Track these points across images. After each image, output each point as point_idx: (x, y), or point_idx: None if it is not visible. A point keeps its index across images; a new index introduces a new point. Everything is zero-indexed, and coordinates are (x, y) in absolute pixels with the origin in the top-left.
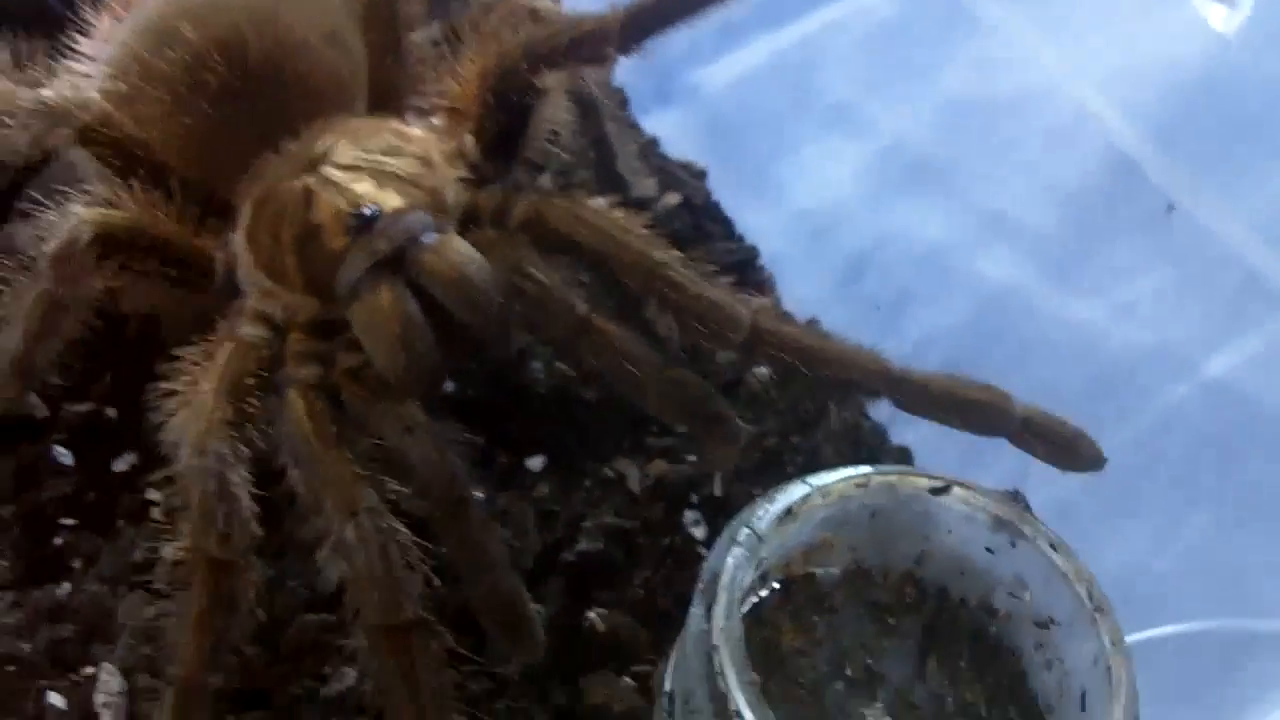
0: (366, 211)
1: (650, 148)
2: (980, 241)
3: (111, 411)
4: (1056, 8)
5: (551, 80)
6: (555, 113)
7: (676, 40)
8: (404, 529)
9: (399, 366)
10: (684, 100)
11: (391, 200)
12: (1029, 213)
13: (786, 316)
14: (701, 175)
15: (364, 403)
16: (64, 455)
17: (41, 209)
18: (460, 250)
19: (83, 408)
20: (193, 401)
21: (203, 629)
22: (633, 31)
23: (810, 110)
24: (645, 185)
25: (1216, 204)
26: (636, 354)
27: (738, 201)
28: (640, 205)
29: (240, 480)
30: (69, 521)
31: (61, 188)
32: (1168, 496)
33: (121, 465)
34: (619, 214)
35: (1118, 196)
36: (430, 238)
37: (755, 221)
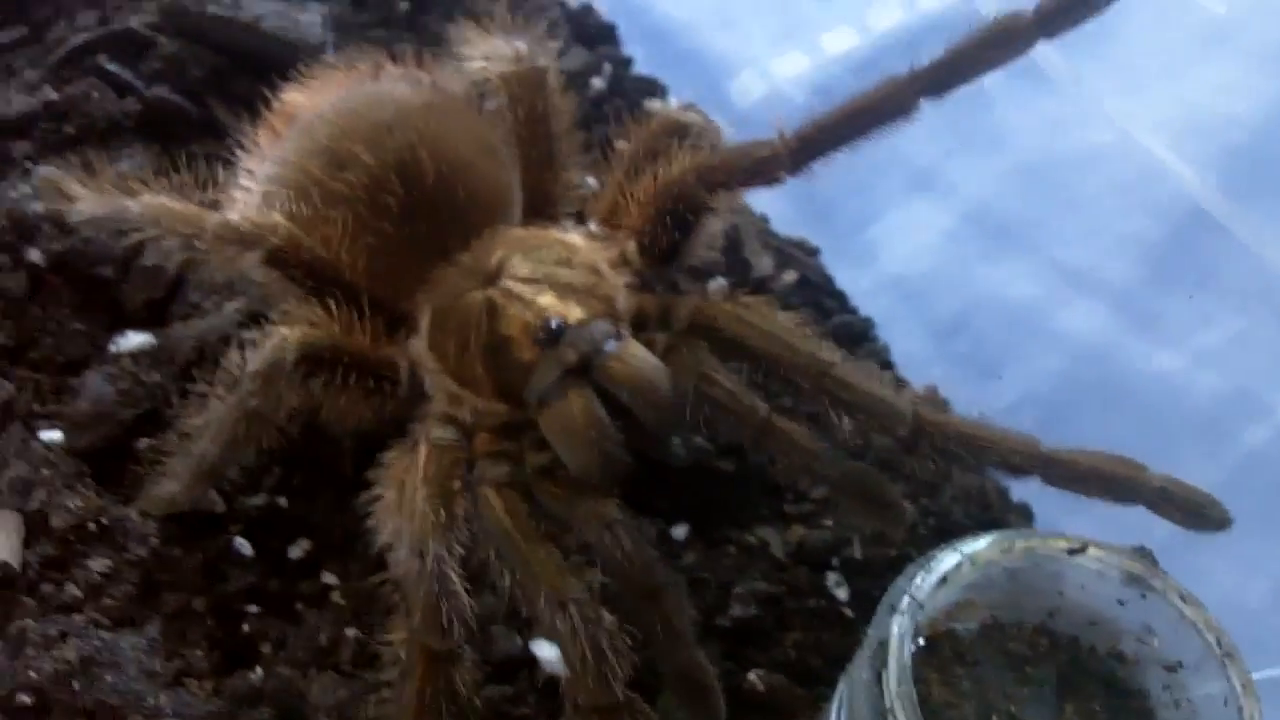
0: (553, 324)
1: (764, 226)
2: (1065, 297)
3: (283, 501)
4: (1123, 61)
5: (722, 200)
6: (717, 226)
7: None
8: (609, 615)
9: (593, 468)
10: None
11: (574, 312)
12: (1109, 266)
13: (942, 404)
14: (815, 253)
15: (558, 500)
16: (243, 546)
17: (198, 310)
18: (642, 357)
19: (257, 500)
20: (405, 505)
21: (423, 714)
22: (802, 157)
23: (896, 177)
24: (764, 265)
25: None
26: (815, 450)
27: (834, 268)
28: (760, 284)
29: (458, 577)
30: (254, 609)
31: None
32: (1256, 534)
33: (297, 552)
34: (781, 314)
35: (1192, 245)
36: (612, 345)
37: (852, 287)
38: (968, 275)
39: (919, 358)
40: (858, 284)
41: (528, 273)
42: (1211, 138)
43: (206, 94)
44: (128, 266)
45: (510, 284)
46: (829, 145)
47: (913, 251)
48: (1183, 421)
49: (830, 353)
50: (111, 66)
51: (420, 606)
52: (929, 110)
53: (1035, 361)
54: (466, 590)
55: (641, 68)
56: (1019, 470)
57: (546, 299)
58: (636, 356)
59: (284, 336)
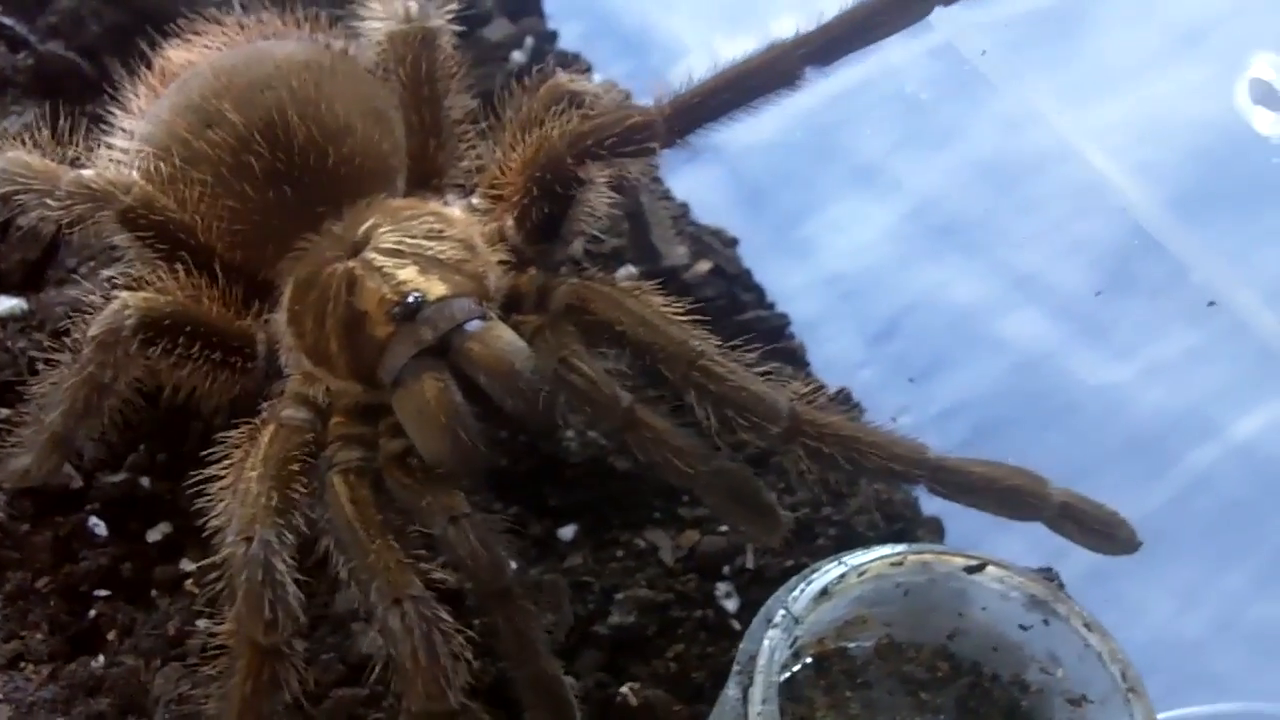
0: (411, 299)
1: (682, 213)
2: (1008, 303)
3: (145, 481)
4: (1076, 69)
5: (595, 171)
6: (597, 200)
7: None
8: (448, 616)
9: (445, 455)
10: (712, 160)
11: (436, 288)
12: (1056, 274)
13: (827, 404)
14: (733, 243)
15: (408, 490)
16: (99, 526)
17: (74, 275)
18: (505, 339)
19: (117, 478)
20: (238, 487)
21: (246, 712)
22: (678, 126)
23: (837, 171)
24: (677, 254)
25: (1238, 266)
26: (682, 446)
27: (766, 262)
28: (671, 274)
29: (286, 567)
30: (104, 593)
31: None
32: (1197, 559)
33: (156, 535)
34: (659, 299)
35: (1144, 256)
36: (475, 325)
37: (784, 283)
38: (907, 276)
39: (850, 360)
40: (789, 280)
41: (392, 244)
42: (1164, 147)
43: (104, 52)
44: (5, 228)
45: (372, 255)
46: (708, 115)
47: (851, 248)
48: (1126, 439)
49: (704, 341)
50: (5, 19)
51: (242, 595)
52: (872, 103)
53: (972, 368)
54: (298, 581)
55: (581, 47)
56: (903, 478)
57: (407, 273)
58: (499, 339)
59: (124, 301)
